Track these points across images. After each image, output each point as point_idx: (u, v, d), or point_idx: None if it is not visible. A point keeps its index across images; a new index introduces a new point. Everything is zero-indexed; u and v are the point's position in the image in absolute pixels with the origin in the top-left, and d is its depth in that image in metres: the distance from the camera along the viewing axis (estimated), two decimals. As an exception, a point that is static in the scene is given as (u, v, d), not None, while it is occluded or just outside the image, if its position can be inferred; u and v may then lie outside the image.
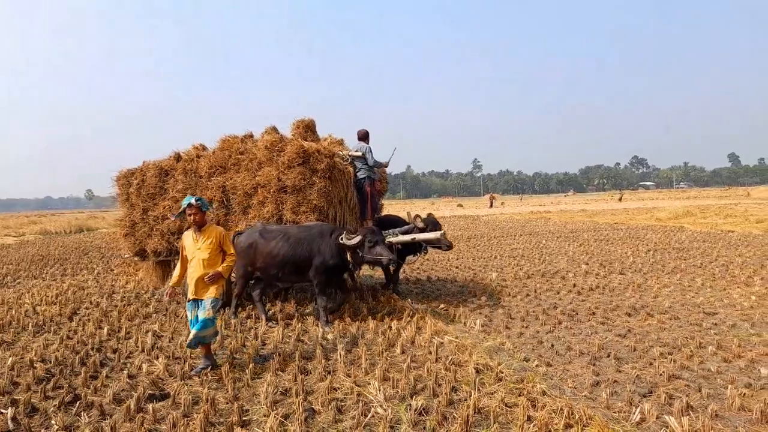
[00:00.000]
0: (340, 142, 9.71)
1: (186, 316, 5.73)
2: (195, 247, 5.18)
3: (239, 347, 5.94)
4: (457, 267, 12.15)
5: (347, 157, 8.83)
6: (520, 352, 5.55)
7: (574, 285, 9.22)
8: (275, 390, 4.55)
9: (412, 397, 4.26)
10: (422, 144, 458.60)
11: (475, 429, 3.74)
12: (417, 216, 8.60)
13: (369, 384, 4.60)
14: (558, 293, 8.67)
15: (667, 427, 3.70)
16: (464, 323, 6.89)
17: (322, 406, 4.20)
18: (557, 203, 60.64)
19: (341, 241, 6.63)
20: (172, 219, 8.62)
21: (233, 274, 7.44)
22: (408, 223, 8.70)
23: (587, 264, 11.70)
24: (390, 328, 6.61)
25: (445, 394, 4.26)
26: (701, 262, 11.35)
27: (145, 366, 5.29)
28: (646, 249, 14.05)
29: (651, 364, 5.06)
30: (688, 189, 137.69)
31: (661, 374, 4.74)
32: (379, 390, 4.39)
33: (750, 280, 9.18)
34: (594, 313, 7.13)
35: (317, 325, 6.87)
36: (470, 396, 4.17)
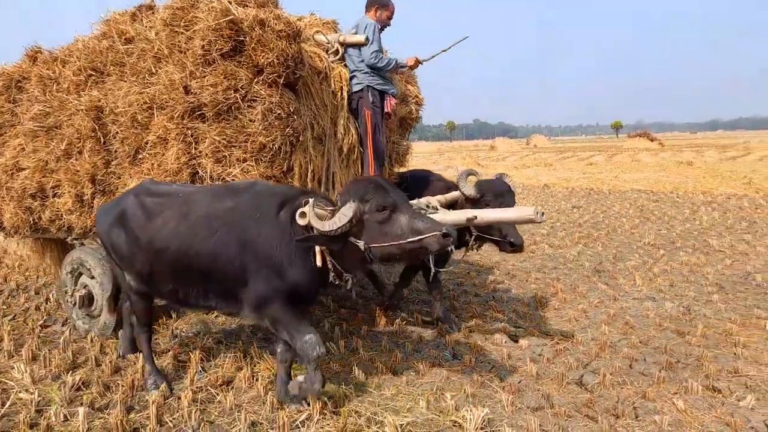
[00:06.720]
0: (332, 26, 5.27)
1: None
2: None
3: None
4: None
5: (334, 45, 4.74)
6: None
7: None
8: None
9: (68, 374, 3.80)
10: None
11: (143, 391, 3.58)
12: (470, 174, 4.44)
13: (13, 368, 3.92)
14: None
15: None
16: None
17: (-62, 408, 3.38)
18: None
19: (304, 221, 2.90)
20: None
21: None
22: (449, 185, 4.69)
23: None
24: (48, 300, 5.73)
25: (110, 362, 3.95)
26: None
27: None
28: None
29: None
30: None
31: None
32: (26, 372, 3.78)
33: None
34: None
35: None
36: (138, 360, 3.95)
